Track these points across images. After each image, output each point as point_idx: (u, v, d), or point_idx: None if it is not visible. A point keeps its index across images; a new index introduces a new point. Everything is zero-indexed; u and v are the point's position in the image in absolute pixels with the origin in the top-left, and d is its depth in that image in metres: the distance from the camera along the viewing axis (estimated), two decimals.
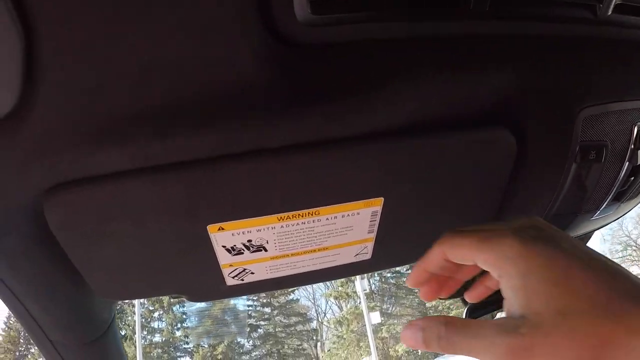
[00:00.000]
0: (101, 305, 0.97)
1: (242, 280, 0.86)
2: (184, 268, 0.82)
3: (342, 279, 30.44)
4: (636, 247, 33.05)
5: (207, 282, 0.88)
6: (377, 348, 24.11)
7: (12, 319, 41.40)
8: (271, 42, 0.54)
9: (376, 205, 0.75)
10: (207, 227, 0.70)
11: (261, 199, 0.68)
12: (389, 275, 31.55)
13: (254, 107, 0.57)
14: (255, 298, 33.41)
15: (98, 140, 0.56)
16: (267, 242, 0.76)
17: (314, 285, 38.22)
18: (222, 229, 0.71)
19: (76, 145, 0.57)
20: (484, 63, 0.64)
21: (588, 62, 0.71)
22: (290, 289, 33.35)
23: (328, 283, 34.33)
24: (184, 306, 29.87)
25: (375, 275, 31.43)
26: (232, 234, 0.73)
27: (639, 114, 0.80)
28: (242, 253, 0.77)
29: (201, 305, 29.52)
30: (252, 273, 0.84)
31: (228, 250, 0.76)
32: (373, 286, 31.27)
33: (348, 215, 0.75)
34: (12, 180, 0.60)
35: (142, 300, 28.93)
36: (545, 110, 0.69)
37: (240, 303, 32.50)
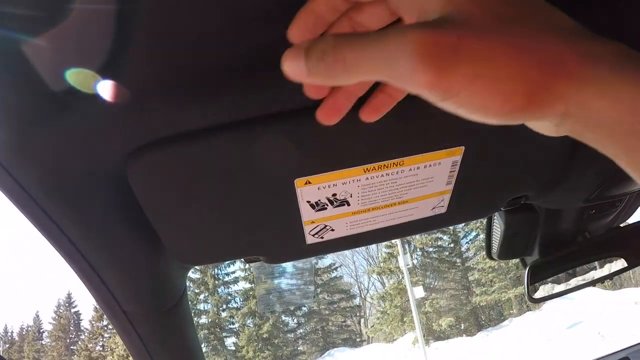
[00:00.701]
0: (177, 272, 0.97)
1: (322, 237, 0.86)
2: (266, 227, 0.82)
3: (384, 255, 30.33)
4: None
5: (287, 241, 0.88)
6: (420, 322, 24.00)
7: (61, 308, 42.07)
8: None
9: (457, 154, 0.75)
10: (295, 181, 0.70)
11: (349, 149, 0.68)
12: (431, 249, 31.46)
13: None
14: (298, 277, 33.39)
15: (190, 95, 0.56)
16: (351, 196, 0.76)
17: (356, 262, 38.14)
18: (309, 182, 0.71)
19: (168, 101, 0.56)
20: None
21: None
22: (333, 267, 33.32)
23: (370, 259, 34.33)
24: (229, 287, 30.25)
25: (417, 250, 31.28)
26: (318, 188, 0.73)
27: None
28: (326, 208, 0.78)
29: (246, 285, 29.79)
30: (332, 230, 0.84)
31: (312, 205, 0.76)
32: (415, 261, 31.13)
33: (430, 165, 0.75)
34: (101, 141, 0.60)
35: (187, 284, 29.03)
36: None
37: (284, 282, 32.56)
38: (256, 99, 0.59)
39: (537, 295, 1.55)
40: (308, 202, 0.75)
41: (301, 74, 0.41)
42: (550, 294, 1.58)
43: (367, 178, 0.74)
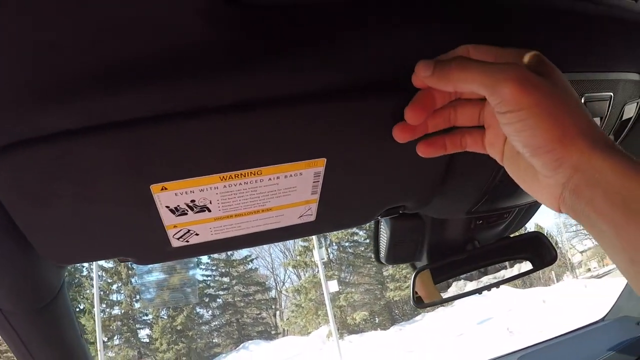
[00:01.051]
0: (49, 270, 0.95)
1: (187, 241, 0.86)
2: (130, 230, 0.82)
3: (300, 248, 30.50)
4: None
5: (152, 244, 0.88)
6: (334, 316, 24.23)
7: None
8: (216, 0, 0.53)
9: (319, 166, 0.76)
10: (151, 187, 0.70)
11: (204, 158, 0.69)
12: (347, 244, 31.88)
13: (198, 66, 0.57)
14: (214, 268, 33.36)
15: (43, 100, 0.55)
16: (211, 203, 0.77)
17: (273, 255, 38.24)
18: (165, 188, 0.71)
19: (21, 105, 0.56)
20: (428, 24, 0.64)
21: (539, 30, 0.72)
22: (249, 259, 33.29)
23: (286, 252, 34.44)
24: (142, 277, 29.76)
25: (334, 244, 31.63)
26: (175, 194, 0.73)
27: (588, 85, 0.81)
28: (186, 214, 0.78)
29: (160, 276, 29.40)
30: (197, 234, 0.85)
31: (172, 210, 0.76)
32: (331, 255, 31.47)
33: (291, 175, 0.76)
34: None
35: (100, 272, 28.66)
36: None
37: (199, 273, 32.43)
38: (110, 105, 0.58)
39: (431, 299, 1.56)
40: (167, 207, 0.74)
41: (427, 74, 0.59)
42: (442, 298, 1.60)
43: (225, 186, 0.74)
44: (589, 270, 35.75)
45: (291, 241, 32.76)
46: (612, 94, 0.84)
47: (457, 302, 24.48)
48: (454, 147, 0.71)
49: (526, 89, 0.55)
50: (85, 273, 29.17)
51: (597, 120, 0.84)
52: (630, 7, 0.72)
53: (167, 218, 0.77)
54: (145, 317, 30.61)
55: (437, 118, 0.69)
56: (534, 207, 1.47)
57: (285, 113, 0.65)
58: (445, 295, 1.60)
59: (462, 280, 1.63)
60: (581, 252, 36.99)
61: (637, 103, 0.93)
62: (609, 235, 0.53)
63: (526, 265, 1.60)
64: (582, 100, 0.80)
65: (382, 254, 1.51)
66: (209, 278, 33.30)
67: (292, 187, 0.78)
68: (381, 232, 1.46)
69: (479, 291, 1.58)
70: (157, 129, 0.62)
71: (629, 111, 0.92)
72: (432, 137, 0.71)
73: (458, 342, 18.38)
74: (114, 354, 28.44)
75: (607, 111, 0.85)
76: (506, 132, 0.59)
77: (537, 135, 0.56)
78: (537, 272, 1.63)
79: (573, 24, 0.73)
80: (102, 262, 27.76)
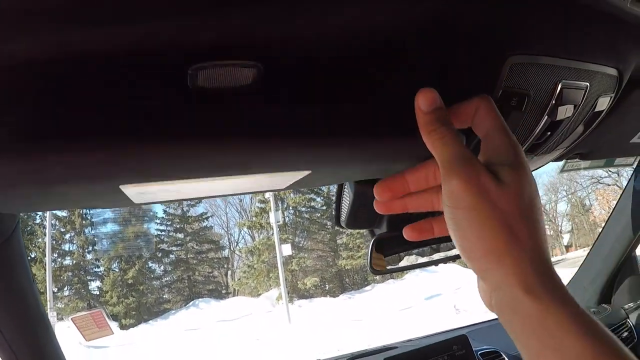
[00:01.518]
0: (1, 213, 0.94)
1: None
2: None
3: (257, 209, 30.38)
4: (544, 212, 34.98)
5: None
6: (286, 280, 24.34)
7: None
8: None
9: (304, 174, 0.75)
10: (120, 186, 0.66)
11: (178, 171, 0.65)
12: (303, 209, 31.94)
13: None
14: (168, 223, 33.15)
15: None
16: (178, 192, 0.75)
17: (229, 214, 37.91)
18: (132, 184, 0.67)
19: None
20: None
21: (526, 9, 0.69)
22: (204, 216, 33.00)
23: (243, 213, 34.37)
24: (96, 228, 29.38)
25: (290, 208, 31.63)
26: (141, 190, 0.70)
27: (566, 72, 0.80)
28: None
29: (115, 228, 29.06)
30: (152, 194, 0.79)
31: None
32: (287, 219, 31.48)
33: (272, 177, 0.75)
34: None
35: (53, 221, 28.03)
36: (474, 48, 0.68)
37: (153, 227, 32.16)
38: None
39: (386, 266, 1.58)
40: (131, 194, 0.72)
41: (425, 109, 0.60)
42: (398, 266, 1.62)
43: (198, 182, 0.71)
44: None
45: (248, 202, 32.62)
46: (588, 84, 0.84)
47: (406, 277, 24.90)
48: (441, 232, 0.72)
49: (470, 190, 0.55)
50: (38, 221, 28.73)
51: (570, 107, 0.84)
52: (617, 3, 0.72)
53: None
54: (96, 269, 30.31)
55: (418, 201, 0.71)
56: None
57: (268, 142, 0.62)
58: (401, 264, 1.61)
59: (414, 256, 1.64)
60: None
61: (610, 97, 0.94)
62: (523, 354, 0.55)
63: None
64: (559, 87, 0.80)
65: (343, 217, 1.51)
66: (163, 233, 33.18)
67: (272, 180, 0.78)
68: (344, 195, 1.47)
69: (435, 263, 1.60)
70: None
71: (602, 104, 0.93)
72: (419, 222, 0.74)
73: (405, 315, 18.62)
74: (63, 305, 28.13)
75: (582, 100, 0.86)
76: (447, 225, 0.60)
77: (466, 239, 0.57)
78: None
79: (557, 8, 0.71)
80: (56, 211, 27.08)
